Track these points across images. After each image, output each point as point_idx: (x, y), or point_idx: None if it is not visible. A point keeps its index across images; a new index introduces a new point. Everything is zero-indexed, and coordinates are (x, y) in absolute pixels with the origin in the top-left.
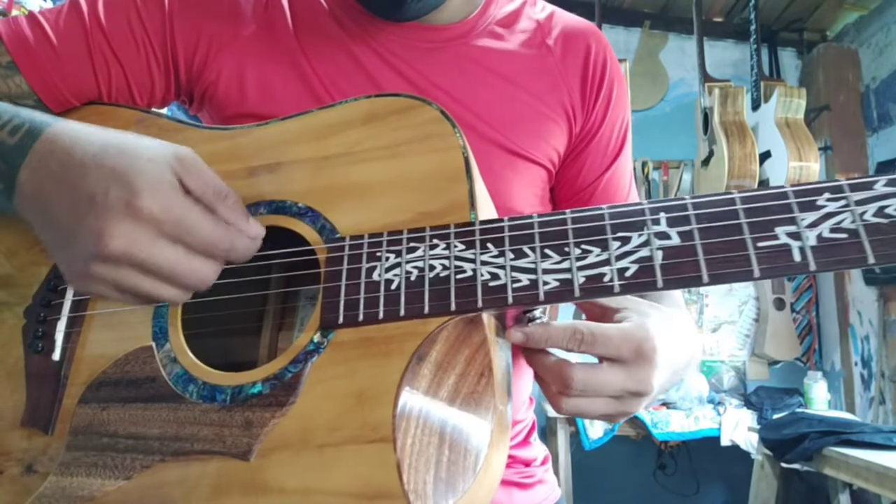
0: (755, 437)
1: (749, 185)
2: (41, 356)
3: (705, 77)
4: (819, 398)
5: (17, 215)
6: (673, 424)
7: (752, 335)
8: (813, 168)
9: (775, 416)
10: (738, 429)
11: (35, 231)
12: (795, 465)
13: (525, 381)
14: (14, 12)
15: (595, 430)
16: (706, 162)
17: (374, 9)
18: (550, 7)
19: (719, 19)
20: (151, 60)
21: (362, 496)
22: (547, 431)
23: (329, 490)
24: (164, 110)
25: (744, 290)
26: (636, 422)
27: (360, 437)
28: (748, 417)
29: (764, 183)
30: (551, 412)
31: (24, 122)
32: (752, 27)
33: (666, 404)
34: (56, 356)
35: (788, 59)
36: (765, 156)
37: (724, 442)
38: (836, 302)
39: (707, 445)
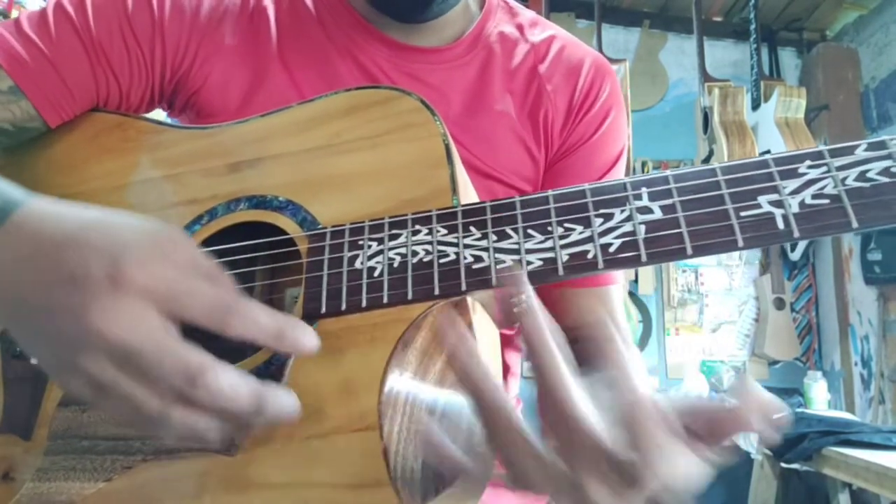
0: (755, 437)
1: None
2: (19, 360)
3: (705, 77)
4: (819, 398)
5: None
6: None
7: (752, 335)
8: None
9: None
10: None
11: (6, 326)
12: (795, 465)
13: (510, 380)
14: (14, 13)
15: None
16: (706, 161)
17: (395, 11)
18: (552, 30)
19: (719, 19)
20: (142, 71)
21: (349, 486)
22: None
23: (315, 482)
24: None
25: (744, 289)
26: None
27: (345, 427)
28: None
29: None
30: None
31: None
32: (752, 27)
33: None
34: (35, 360)
35: (788, 59)
36: (764, 155)
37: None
38: (835, 302)
39: None
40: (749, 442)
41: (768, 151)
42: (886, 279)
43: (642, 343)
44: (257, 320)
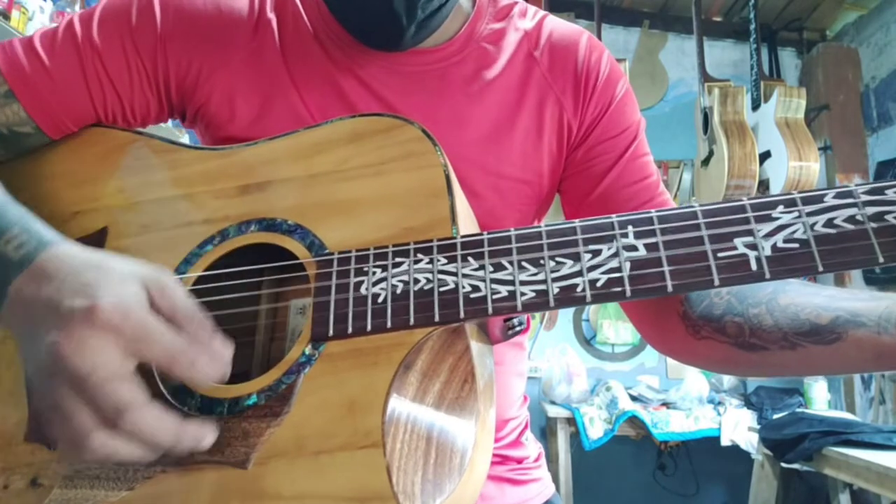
0: (755, 437)
1: (749, 185)
2: None
3: (705, 77)
4: (819, 398)
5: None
6: (673, 424)
7: None
8: (813, 168)
9: (775, 416)
10: (738, 429)
11: (21, 349)
12: (795, 465)
13: (516, 379)
14: (14, 13)
15: (595, 431)
16: (706, 162)
17: (371, 44)
18: (541, 14)
19: (719, 19)
20: (143, 82)
21: (355, 499)
22: (547, 431)
23: (323, 494)
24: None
25: None
26: (636, 422)
27: (351, 444)
28: (748, 417)
29: (764, 183)
30: (551, 412)
31: (32, 239)
32: (752, 27)
33: (666, 404)
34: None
35: (788, 59)
36: (765, 156)
37: (724, 442)
38: None
39: (707, 445)
40: (749, 442)
41: (768, 152)
42: (886, 279)
43: (642, 344)
44: (197, 365)
